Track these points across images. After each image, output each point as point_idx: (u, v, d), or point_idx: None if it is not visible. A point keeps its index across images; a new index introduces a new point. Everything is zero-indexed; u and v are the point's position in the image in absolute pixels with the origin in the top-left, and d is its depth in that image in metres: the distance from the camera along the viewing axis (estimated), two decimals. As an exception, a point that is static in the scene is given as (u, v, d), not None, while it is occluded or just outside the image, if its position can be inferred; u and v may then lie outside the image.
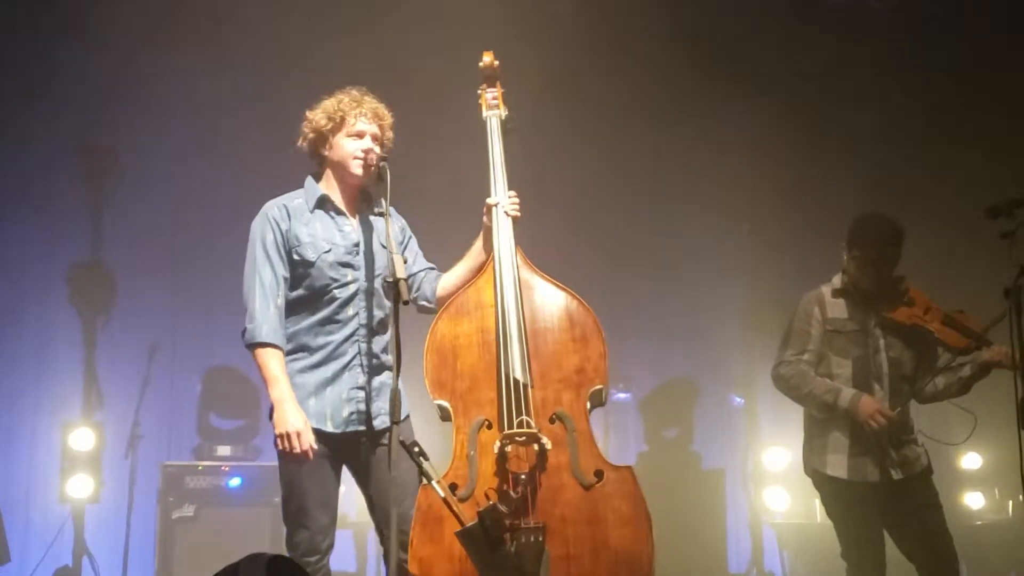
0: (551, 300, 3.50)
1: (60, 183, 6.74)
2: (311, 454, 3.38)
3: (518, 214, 3.60)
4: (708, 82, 7.19)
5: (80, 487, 6.19)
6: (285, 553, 3.44)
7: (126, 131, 6.74)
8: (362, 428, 3.53)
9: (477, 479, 3.30)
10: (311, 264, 3.54)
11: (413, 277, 3.71)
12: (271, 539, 5.76)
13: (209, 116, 6.77)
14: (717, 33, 7.27)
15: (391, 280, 3.26)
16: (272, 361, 3.44)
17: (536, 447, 3.28)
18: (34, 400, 6.59)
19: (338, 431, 3.51)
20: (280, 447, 3.39)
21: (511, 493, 3.22)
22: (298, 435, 3.35)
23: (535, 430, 3.29)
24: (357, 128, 3.62)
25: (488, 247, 3.59)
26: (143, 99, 6.67)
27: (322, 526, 3.50)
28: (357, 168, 3.60)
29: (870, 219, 4.41)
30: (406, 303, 3.25)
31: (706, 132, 7.21)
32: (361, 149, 3.60)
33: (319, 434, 3.48)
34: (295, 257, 3.56)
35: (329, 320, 3.55)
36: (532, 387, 3.36)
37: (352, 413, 3.52)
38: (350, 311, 3.56)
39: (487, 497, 3.23)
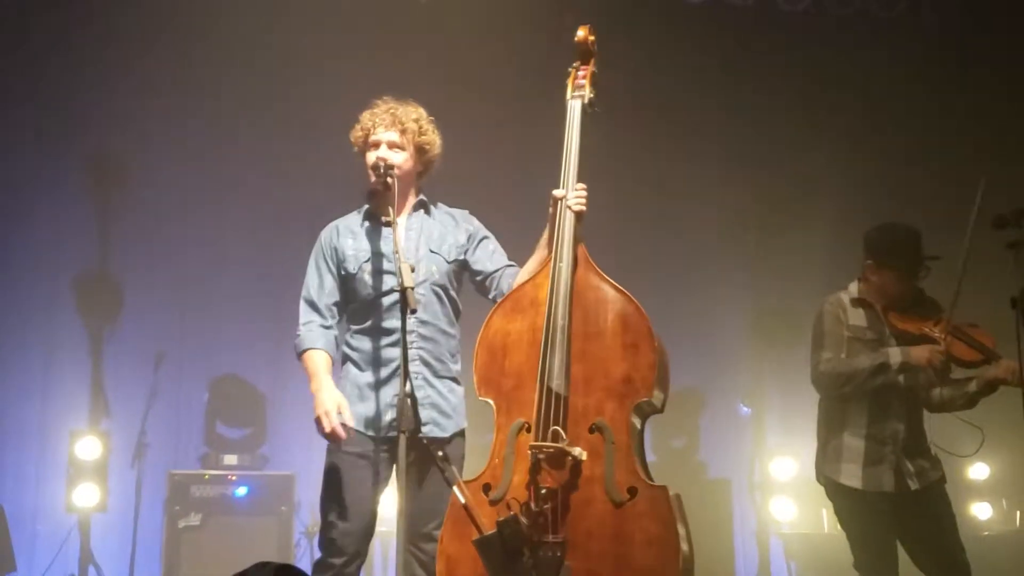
0: (607, 302, 3.32)
1: (67, 193, 6.75)
2: (340, 431, 3.42)
3: (582, 208, 3.44)
4: (714, 91, 7.19)
5: (87, 496, 6.18)
6: (292, 562, 3.44)
7: (133, 141, 6.75)
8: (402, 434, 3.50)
9: (511, 482, 3.21)
10: (354, 276, 3.64)
11: (490, 276, 3.71)
12: (278, 548, 5.71)
13: (216, 126, 6.79)
14: (725, 41, 7.27)
15: (399, 289, 3.24)
16: (310, 362, 3.59)
17: (570, 459, 3.16)
18: (41, 409, 6.59)
19: (374, 434, 3.54)
20: (319, 432, 3.46)
21: (534, 507, 3.13)
22: (327, 415, 3.42)
23: (564, 444, 3.15)
24: (373, 138, 3.66)
25: (552, 241, 3.43)
26: (149, 109, 6.68)
27: (350, 527, 3.50)
28: (372, 179, 3.64)
29: (897, 233, 4.34)
30: (413, 312, 3.26)
31: (713, 141, 7.21)
32: (376, 158, 3.62)
33: (362, 437, 3.53)
34: (342, 272, 3.67)
35: (376, 328, 3.61)
36: (568, 396, 3.21)
37: (394, 419, 3.43)
38: (395, 319, 3.53)
39: (508, 507, 3.14)
